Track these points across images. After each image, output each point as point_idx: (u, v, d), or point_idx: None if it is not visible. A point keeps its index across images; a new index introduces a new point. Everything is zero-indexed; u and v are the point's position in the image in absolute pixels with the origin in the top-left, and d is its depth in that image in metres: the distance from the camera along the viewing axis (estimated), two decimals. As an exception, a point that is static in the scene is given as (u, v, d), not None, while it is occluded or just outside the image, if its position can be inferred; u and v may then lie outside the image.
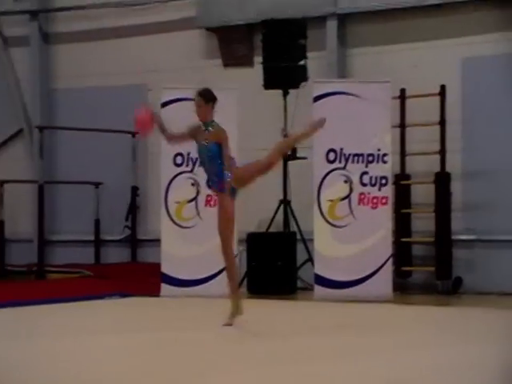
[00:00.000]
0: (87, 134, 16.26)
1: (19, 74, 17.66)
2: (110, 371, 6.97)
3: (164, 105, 13.43)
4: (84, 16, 17.02)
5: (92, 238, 16.32)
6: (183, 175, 13.43)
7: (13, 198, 16.18)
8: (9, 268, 15.87)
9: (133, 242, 16.33)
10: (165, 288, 13.19)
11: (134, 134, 15.64)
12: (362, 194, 13.01)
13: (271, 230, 14.01)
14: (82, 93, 16.77)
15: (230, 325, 9.44)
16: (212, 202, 12.95)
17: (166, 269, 13.20)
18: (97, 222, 16.30)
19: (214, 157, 9.45)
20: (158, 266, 13.36)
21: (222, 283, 12.08)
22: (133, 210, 16.32)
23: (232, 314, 9.53)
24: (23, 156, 17.50)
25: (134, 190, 16.38)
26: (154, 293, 13.06)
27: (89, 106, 16.60)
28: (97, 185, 16.29)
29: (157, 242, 13.72)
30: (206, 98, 9.53)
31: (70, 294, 12.92)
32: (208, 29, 15.90)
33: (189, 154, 13.23)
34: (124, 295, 13.02)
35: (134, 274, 15.20)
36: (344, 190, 13.06)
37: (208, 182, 10.03)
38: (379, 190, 12.98)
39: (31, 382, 6.57)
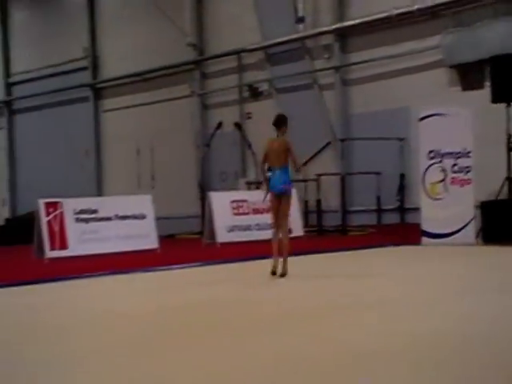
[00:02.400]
0: (371, 141, 15.48)
1: (329, 106, 17.18)
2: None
3: (422, 119, 12.41)
4: (367, 67, 16.28)
5: (375, 207, 15.65)
6: (435, 165, 12.31)
7: (325, 185, 15.85)
8: (324, 228, 15.50)
9: (401, 209, 15.40)
10: (424, 239, 12.12)
11: (401, 139, 14.75)
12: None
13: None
14: (369, 115, 16.15)
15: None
16: (455, 182, 11.95)
17: (425, 227, 12.15)
18: (378, 198, 15.57)
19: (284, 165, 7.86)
20: (418, 225, 12.33)
21: (463, 236, 11.00)
22: (401, 189, 15.48)
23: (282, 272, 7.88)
24: (331, 158, 17.04)
25: (402, 176, 15.51)
26: (416, 243, 12.02)
27: (373, 123, 15.88)
28: (377, 174, 15.50)
29: (417, 209, 12.79)
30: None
31: (362, 244, 12.30)
32: (451, 66, 14.65)
33: (439, 150, 12.20)
34: (396, 244, 12.13)
35: (402, 230, 14.24)
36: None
37: (273, 188, 7.98)
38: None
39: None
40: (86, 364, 4.05)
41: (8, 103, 23.60)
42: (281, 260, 7.85)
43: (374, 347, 4.12)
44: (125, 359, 4.10)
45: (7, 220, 20.98)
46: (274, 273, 7.81)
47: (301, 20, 17.14)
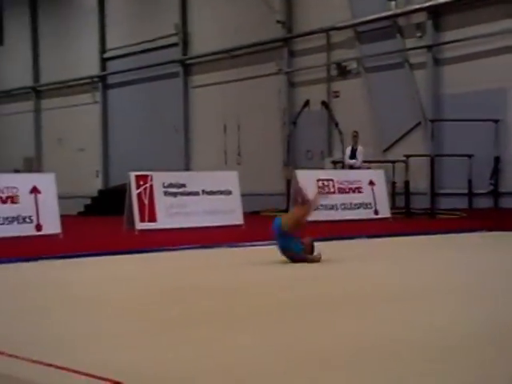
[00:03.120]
0: (463, 123, 14.69)
1: (419, 86, 16.45)
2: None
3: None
4: (461, 45, 15.45)
5: (466, 191, 14.99)
6: (533, 148, 11.55)
7: (414, 166, 15.22)
8: (412, 211, 14.92)
9: (495, 194, 14.69)
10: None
11: (496, 121, 13.94)
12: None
13: None
14: (461, 96, 15.35)
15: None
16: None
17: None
18: (469, 181, 14.90)
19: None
20: (514, 210, 11.65)
21: None
22: (495, 173, 14.79)
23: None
24: (420, 139, 16.38)
25: (497, 159, 14.81)
26: (512, 229, 11.31)
27: (465, 104, 15.08)
28: (469, 156, 14.81)
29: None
30: None
31: (451, 228, 11.60)
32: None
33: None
34: (490, 230, 11.39)
35: (496, 215, 13.54)
36: None
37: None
38: None
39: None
40: (161, 337, 3.86)
41: (103, 78, 23.99)
42: None
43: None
44: (199, 331, 3.89)
45: (100, 191, 21.42)
46: None
47: (393, -3, 16.46)
